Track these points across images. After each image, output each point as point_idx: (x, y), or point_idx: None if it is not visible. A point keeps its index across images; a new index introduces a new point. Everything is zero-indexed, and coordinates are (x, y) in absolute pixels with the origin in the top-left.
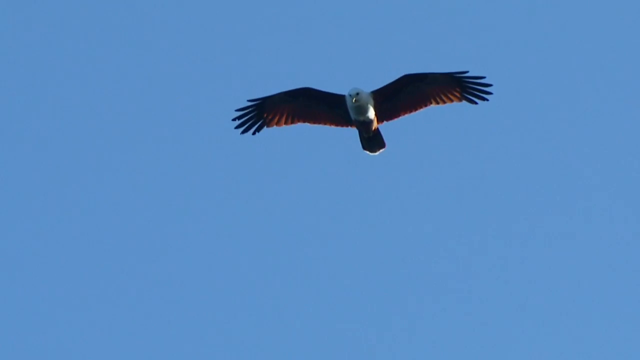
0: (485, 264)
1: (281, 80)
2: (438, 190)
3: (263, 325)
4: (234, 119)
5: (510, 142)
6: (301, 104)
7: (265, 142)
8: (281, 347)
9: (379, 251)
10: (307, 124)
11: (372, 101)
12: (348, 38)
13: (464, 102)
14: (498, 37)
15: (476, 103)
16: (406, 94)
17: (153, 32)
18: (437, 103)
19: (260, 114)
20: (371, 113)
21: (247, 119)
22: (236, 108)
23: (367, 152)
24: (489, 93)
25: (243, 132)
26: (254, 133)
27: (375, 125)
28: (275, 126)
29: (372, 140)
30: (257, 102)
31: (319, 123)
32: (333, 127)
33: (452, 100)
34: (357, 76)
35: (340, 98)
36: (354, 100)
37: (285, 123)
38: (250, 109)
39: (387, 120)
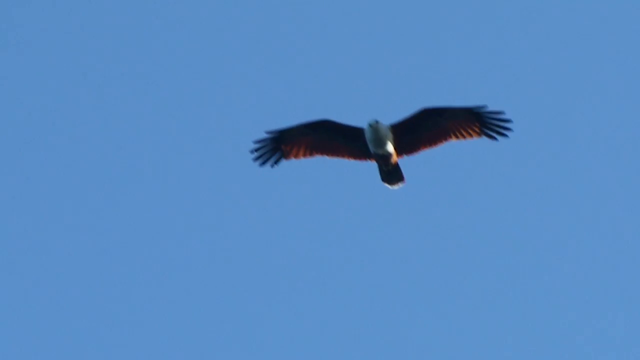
0: (504, 303)
1: (299, 112)
2: (454, 226)
3: None
4: (252, 151)
5: (529, 177)
6: (320, 137)
7: (283, 174)
8: None
9: (395, 282)
10: (325, 157)
11: (390, 134)
12: (367, 71)
13: (483, 137)
14: (519, 72)
15: (496, 139)
16: (425, 128)
17: (174, 65)
18: (457, 138)
19: (279, 146)
20: (390, 146)
21: (266, 151)
22: (254, 140)
23: (386, 185)
24: (509, 129)
25: (262, 164)
26: (272, 165)
27: (394, 158)
28: (293, 158)
29: (391, 174)
30: (276, 134)
31: (337, 156)
32: (351, 160)
33: (471, 136)
34: (376, 110)
35: (359, 131)
36: (372, 126)
37: (304, 155)
38: (268, 141)
39: (407, 154)
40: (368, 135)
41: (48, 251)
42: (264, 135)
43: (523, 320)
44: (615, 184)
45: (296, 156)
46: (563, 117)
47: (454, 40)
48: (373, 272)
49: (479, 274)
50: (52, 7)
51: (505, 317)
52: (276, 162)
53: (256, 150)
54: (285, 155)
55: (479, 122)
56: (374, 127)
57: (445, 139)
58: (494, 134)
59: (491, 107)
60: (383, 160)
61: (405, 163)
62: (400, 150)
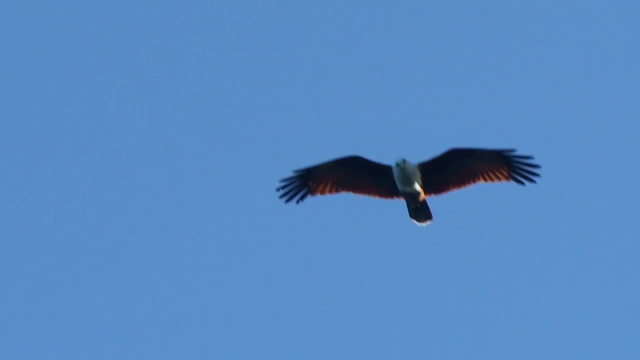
0: (532, 345)
1: (328, 149)
2: (481, 266)
3: None
4: (278, 189)
5: (557, 221)
6: (348, 173)
7: (308, 209)
8: None
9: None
10: (351, 193)
11: (418, 173)
12: (394, 109)
13: (511, 181)
14: (550, 117)
15: (523, 184)
16: (453, 168)
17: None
18: (485, 180)
19: (305, 182)
20: (417, 185)
21: (292, 188)
22: (281, 178)
23: (414, 222)
24: (537, 175)
25: (287, 200)
26: (297, 202)
27: (422, 197)
28: (319, 195)
29: (419, 211)
30: (303, 172)
31: (364, 193)
32: (377, 197)
33: (499, 179)
34: (404, 149)
35: (387, 169)
36: (399, 165)
37: (330, 192)
38: (295, 179)
39: (435, 193)
40: (396, 173)
41: (48, 251)
42: (291, 174)
43: None
44: None
45: (322, 192)
46: (593, 163)
47: (487, 82)
48: (399, 309)
49: (504, 315)
50: (52, 7)
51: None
52: (302, 199)
53: (283, 187)
54: (312, 191)
55: (507, 165)
56: (402, 166)
57: (473, 181)
58: (522, 179)
59: (520, 151)
60: (411, 198)
61: (434, 202)
62: (428, 189)
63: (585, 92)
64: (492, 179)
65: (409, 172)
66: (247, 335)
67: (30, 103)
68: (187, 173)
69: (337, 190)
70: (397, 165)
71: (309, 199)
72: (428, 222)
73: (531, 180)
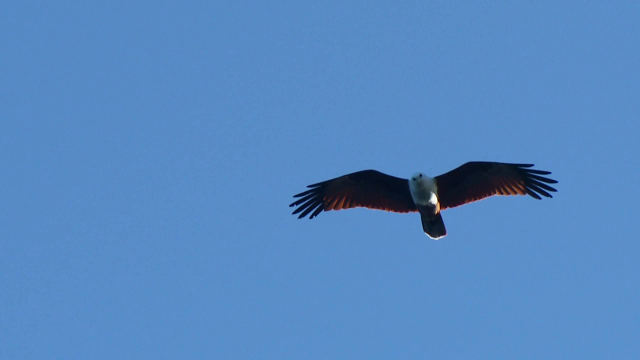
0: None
1: (341, 165)
2: (495, 281)
3: None
4: (292, 204)
5: (571, 234)
6: (363, 187)
7: (322, 223)
8: None
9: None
10: (365, 208)
11: (435, 187)
12: (410, 122)
13: (527, 195)
14: (570, 134)
15: (539, 198)
16: (469, 181)
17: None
18: (501, 193)
19: (320, 197)
20: (434, 198)
21: (306, 203)
22: (294, 194)
23: (428, 235)
24: (554, 190)
25: (301, 216)
26: (311, 217)
27: (437, 209)
28: (333, 209)
29: (433, 225)
30: (318, 186)
31: (378, 207)
32: (392, 212)
33: (515, 192)
34: (421, 162)
35: (403, 182)
36: (416, 180)
37: (344, 207)
38: (309, 193)
39: (450, 206)
40: (412, 188)
41: (47, 251)
42: (306, 189)
43: None
44: None
45: (336, 207)
46: (609, 177)
47: (503, 97)
48: (412, 322)
49: (518, 328)
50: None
51: None
52: (315, 214)
53: (297, 203)
54: (326, 206)
55: (523, 179)
56: (418, 181)
57: (489, 194)
58: (538, 193)
59: (537, 166)
60: (427, 211)
61: (448, 215)
62: (443, 202)
63: (603, 107)
64: (507, 192)
65: (426, 186)
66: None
67: (30, 103)
68: (199, 188)
69: (351, 205)
70: (414, 180)
71: (323, 214)
72: (441, 237)
73: (547, 195)
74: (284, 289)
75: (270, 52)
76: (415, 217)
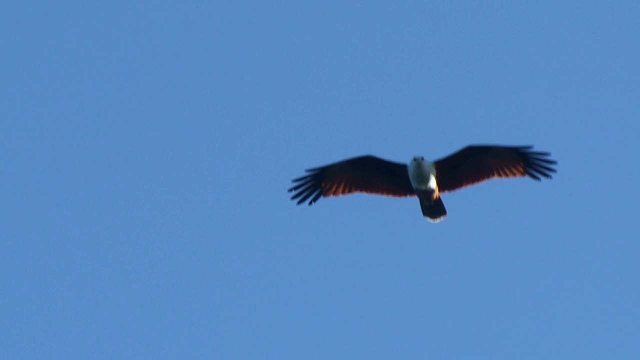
0: (551, 340)
1: (339, 150)
2: (495, 261)
3: None
4: (290, 190)
5: (571, 215)
6: (361, 173)
7: (321, 210)
8: None
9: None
10: (364, 193)
11: (434, 170)
12: (408, 107)
13: (527, 177)
14: (567, 113)
15: (539, 179)
16: (469, 165)
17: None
18: (500, 176)
19: (318, 183)
20: (433, 182)
21: (305, 189)
22: (293, 178)
23: (428, 219)
24: (553, 170)
25: (300, 202)
26: (310, 203)
27: (436, 194)
28: (332, 195)
29: (433, 208)
30: (316, 172)
31: (377, 192)
32: (390, 196)
33: (514, 175)
34: (420, 146)
35: (402, 167)
36: (416, 160)
37: (343, 192)
38: (308, 179)
39: (449, 190)
40: (411, 171)
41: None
42: (304, 174)
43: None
44: None
45: (335, 193)
46: (608, 158)
47: (500, 81)
48: (414, 306)
49: (520, 309)
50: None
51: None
52: (314, 200)
53: (295, 188)
54: (325, 192)
55: (523, 161)
56: (419, 162)
57: (488, 177)
58: (538, 174)
59: (537, 148)
60: (425, 195)
61: (448, 196)
62: (442, 186)
63: (600, 88)
64: (507, 175)
65: (425, 170)
66: (257, 334)
67: (30, 103)
68: (196, 173)
69: (350, 191)
70: (415, 160)
71: (322, 200)
72: (442, 218)
73: (547, 176)
74: (283, 276)
75: (268, 37)
76: (414, 202)
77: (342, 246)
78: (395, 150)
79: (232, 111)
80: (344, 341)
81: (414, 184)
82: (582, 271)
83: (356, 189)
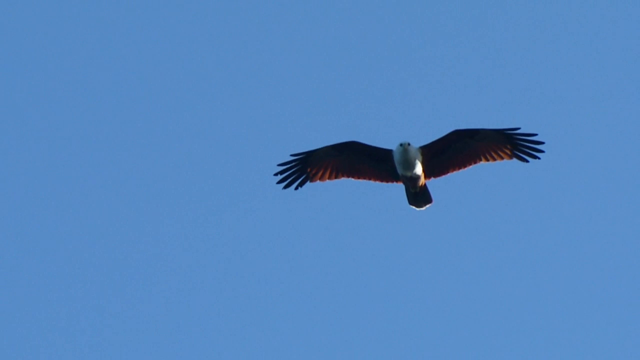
0: (535, 328)
1: (324, 135)
2: (485, 246)
3: None
4: (276, 174)
5: (558, 198)
6: (347, 158)
7: (307, 196)
8: None
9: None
10: (351, 179)
11: (420, 156)
12: (394, 92)
13: (514, 159)
14: (553, 93)
15: (527, 161)
16: (455, 150)
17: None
18: (487, 160)
19: (304, 168)
20: (419, 168)
21: (290, 173)
22: (278, 163)
23: (414, 207)
24: (541, 151)
25: (285, 187)
26: (296, 188)
27: (422, 181)
28: (318, 181)
29: (418, 196)
30: (302, 156)
31: (364, 178)
32: (377, 182)
33: (502, 158)
34: (404, 131)
35: (387, 152)
36: (402, 146)
37: (329, 178)
38: (294, 164)
39: (435, 176)
40: (397, 157)
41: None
42: (290, 158)
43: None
44: None
45: (321, 179)
46: (595, 138)
47: (484, 64)
48: (400, 295)
49: (506, 296)
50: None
51: (537, 343)
52: (301, 185)
53: (281, 172)
54: (311, 178)
55: (510, 144)
56: (405, 148)
57: (475, 161)
58: (526, 156)
59: (524, 130)
60: (411, 182)
61: (433, 183)
62: (428, 173)
63: (585, 69)
64: (494, 159)
65: (411, 155)
66: (243, 327)
67: (29, 103)
68: (182, 157)
69: (337, 176)
70: (401, 146)
71: (308, 185)
72: (428, 206)
73: (535, 157)
74: (268, 264)
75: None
76: (401, 189)
77: (325, 236)
78: (381, 136)
79: (217, 93)
80: (332, 330)
81: (399, 170)
82: (570, 257)
83: (342, 175)
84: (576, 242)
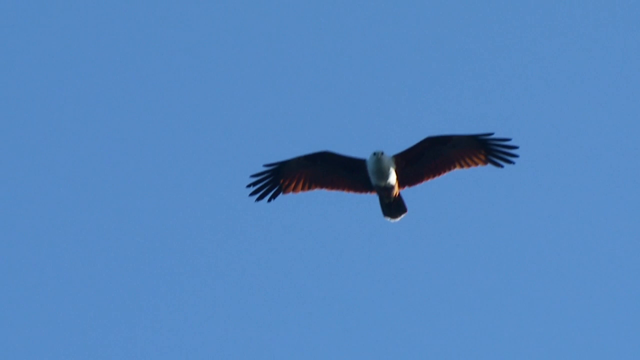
0: (502, 330)
1: (296, 145)
2: (459, 255)
3: None
4: (248, 186)
5: (535, 205)
6: (319, 169)
7: (280, 208)
8: None
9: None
10: (324, 190)
11: (394, 165)
12: (366, 100)
13: (489, 165)
14: (526, 97)
15: (502, 166)
16: (429, 157)
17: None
18: (461, 166)
19: (277, 179)
20: (392, 178)
21: (263, 185)
22: (251, 174)
23: (389, 219)
24: (515, 156)
25: (258, 199)
26: (269, 200)
27: (396, 191)
28: (291, 192)
29: (392, 207)
30: (274, 167)
31: (337, 189)
32: (351, 193)
33: (476, 164)
34: (377, 140)
35: (361, 162)
36: (376, 155)
37: (302, 189)
38: (266, 175)
39: (409, 185)
40: (370, 166)
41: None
42: (262, 169)
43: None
44: (623, 210)
45: (294, 190)
46: (569, 143)
47: (456, 69)
48: (374, 306)
49: (481, 305)
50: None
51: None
52: (273, 197)
53: (253, 184)
54: (284, 189)
55: (484, 149)
56: (378, 157)
57: (450, 168)
58: (500, 161)
59: (497, 134)
60: (385, 192)
61: (407, 192)
62: (402, 182)
63: (558, 73)
64: (468, 165)
65: (384, 164)
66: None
67: (29, 103)
68: (155, 167)
69: (310, 187)
70: (374, 155)
71: (281, 197)
72: (402, 216)
73: (509, 162)
74: (241, 274)
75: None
76: (375, 200)
77: (298, 248)
78: (353, 146)
79: (195, 105)
80: (305, 339)
81: (373, 181)
82: (546, 262)
83: (315, 186)
84: (553, 247)
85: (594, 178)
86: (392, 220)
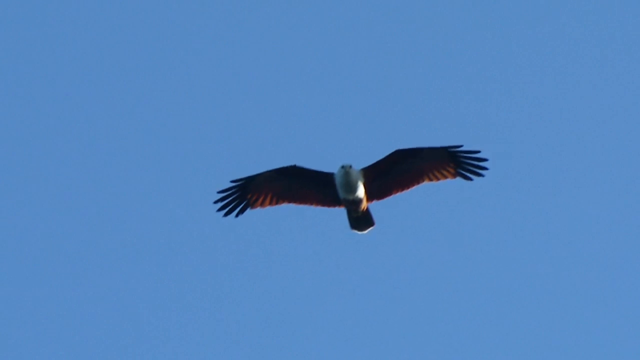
0: (476, 346)
1: (264, 159)
2: (428, 268)
3: None
4: (216, 202)
5: (505, 218)
6: (287, 184)
7: (248, 223)
8: None
9: (369, 335)
10: (292, 204)
11: (362, 178)
12: (334, 112)
13: (458, 178)
14: (496, 107)
15: (471, 179)
16: (398, 170)
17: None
18: (430, 180)
19: (244, 194)
20: (361, 191)
21: (230, 200)
22: (218, 190)
23: (356, 232)
24: (485, 168)
25: (226, 214)
26: (237, 215)
27: (364, 204)
28: (259, 207)
29: (360, 220)
30: (241, 182)
31: (305, 203)
32: (319, 207)
33: (445, 177)
34: (344, 153)
35: (329, 176)
36: (344, 168)
37: (270, 204)
38: (233, 190)
39: (377, 199)
40: (338, 180)
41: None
42: (229, 184)
43: None
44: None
45: (262, 205)
46: (540, 154)
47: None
48: (340, 319)
49: (452, 317)
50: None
51: None
52: (241, 212)
53: (220, 200)
54: (251, 204)
55: (453, 162)
56: (346, 170)
57: (419, 182)
58: (469, 174)
59: (466, 147)
60: (353, 206)
61: (375, 205)
62: (371, 195)
63: (526, 83)
64: (437, 178)
65: (352, 178)
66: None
67: (29, 103)
68: (117, 183)
69: (277, 202)
70: (342, 168)
71: (248, 212)
72: (370, 229)
73: (479, 174)
74: (206, 290)
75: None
76: (342, 213)
77: (264, 262)
78: (320, 160)
79: (162, 120)
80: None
81: (341, 194)
82: (516, 273)
83: (283, 200)
84: (522, 258)
85: (568, 190)
86: (360, 233)
